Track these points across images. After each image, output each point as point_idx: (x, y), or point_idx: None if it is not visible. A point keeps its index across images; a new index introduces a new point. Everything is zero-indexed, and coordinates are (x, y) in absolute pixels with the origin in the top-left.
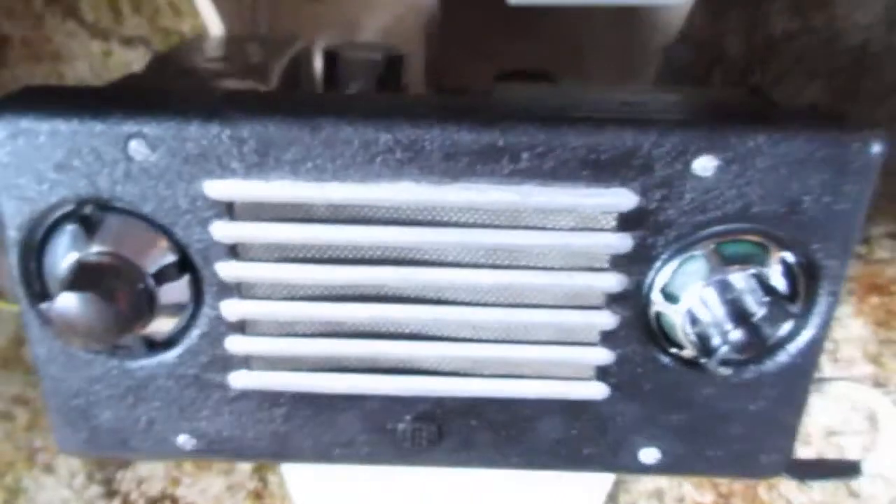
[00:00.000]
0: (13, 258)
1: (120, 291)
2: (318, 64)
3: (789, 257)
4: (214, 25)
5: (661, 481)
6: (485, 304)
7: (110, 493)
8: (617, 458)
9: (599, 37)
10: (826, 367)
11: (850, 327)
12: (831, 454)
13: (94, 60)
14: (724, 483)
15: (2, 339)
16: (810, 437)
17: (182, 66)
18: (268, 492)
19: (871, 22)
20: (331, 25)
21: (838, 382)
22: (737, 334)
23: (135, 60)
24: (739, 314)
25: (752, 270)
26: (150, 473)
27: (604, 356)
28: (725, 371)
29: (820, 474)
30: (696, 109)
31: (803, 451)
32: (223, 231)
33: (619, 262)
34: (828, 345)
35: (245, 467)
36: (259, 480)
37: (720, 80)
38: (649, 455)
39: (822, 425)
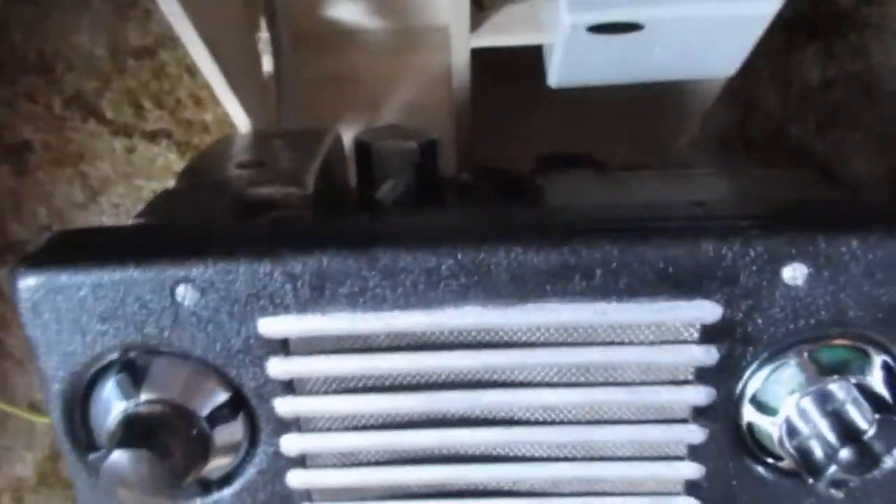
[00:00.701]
0: (55, 411)
1: (174, 443)
2: (349, 150)
3: (891, 361)
4: (238, 115)
5: None
6: (561, 423)
7: None
8: None
9: (631, 109)
10: None
11: None
12: None
13: (116, 159)
14: None
15: (39, 453)
16: None
17: (214, 177)
18: None
19: None
20: (356, 105)
21: None
22: (846, 454)
23: (158, 155)
24: (846, 430)
25: (854, 379)
26: None
27: (693, 471)
28: (838, 494)
29: None
30: (777, 208)
31: None
32: (279, 368)
33: (704, 374)
34: None
35: None
36: None
37: (756, 137)
38: None
39: None
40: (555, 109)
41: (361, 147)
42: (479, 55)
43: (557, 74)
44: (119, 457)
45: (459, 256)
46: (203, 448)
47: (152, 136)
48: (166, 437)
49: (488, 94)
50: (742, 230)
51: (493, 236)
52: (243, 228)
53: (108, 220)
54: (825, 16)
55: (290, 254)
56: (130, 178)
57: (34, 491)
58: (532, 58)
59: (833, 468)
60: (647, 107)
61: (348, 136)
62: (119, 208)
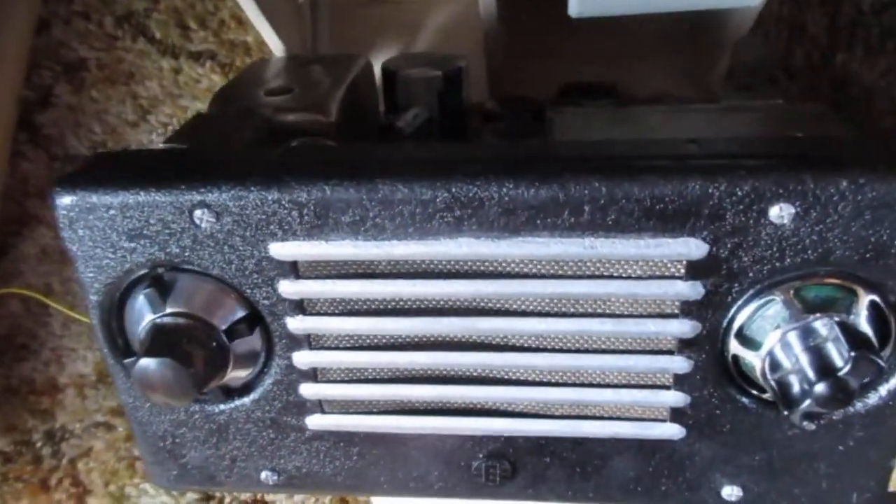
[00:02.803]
0: (94, 319)
1: (196, 352)
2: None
3: (878, 300)
4: (273, 40)
5: None
6: (553, 350)
7: (206, 499)
8: (696, 496)
9: (667, 37)
10: None
11: None
12: None
13: (164, 79)
14: None
15: (98, 354)
16: None
17: (243, 104)
18: (352, 498)
19: None
20: (390, 30)
21: None
22: (821, 388)
23: (203, 76)
24: (823, 366)
25: (837, 318)
26: None
27: (678, 399)
28: (810, 426)
29: None
30: (770, 146)
31: None
32: (289, 289)
33: (690, 308)
34: None
35: None
36: None
37: (802, 64)
38: (731, 493)
39: None
40: (589, 40)
41: (388, 74)
42: None
43: (577, 4)
44: (146, 364)
45: (454, 190)
46: (222, 358)
47: (197, 57)
48: (189, 346)
49: (522, 24)
50: (730, 169)
51: (486, 171)
52: (258, 157)
53: (157, 139)
54: None
55: (297, 183)
56: (177, 99)
57: (94, 387)
58: None
59: (808, 401)
60: (681, 37)
61: (382, 62)
62: (167, 128)
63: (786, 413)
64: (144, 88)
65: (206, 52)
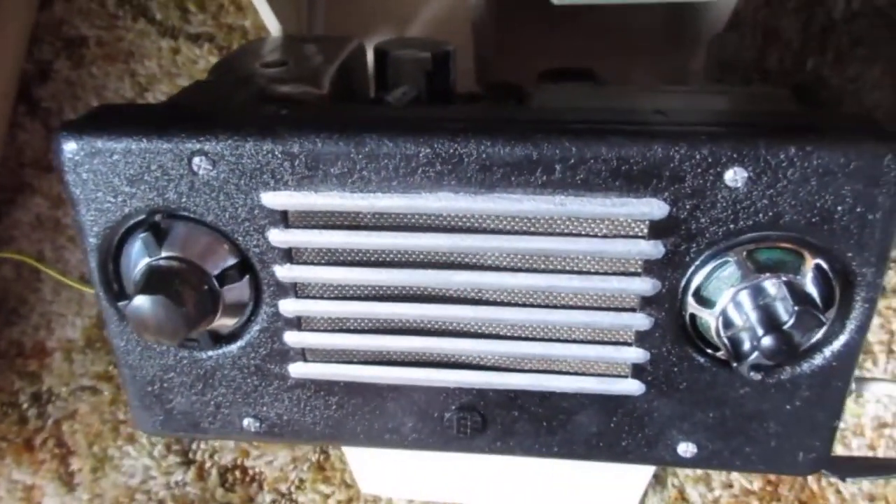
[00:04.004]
0: (92, 262)
1: (187, 293)
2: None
3: (823, 264)
4: (271, 22)
5: None
6: (523, 305)
7: (187, 462)
8: (654, 452)
9: (646, 31)
10: (881, 358)
11: None
12: (883, 447)
13: (163, 58)
14: None
15: (86, 320)
16: (863, 427)
17: (241, 73)
18: (329, 464)
19: None
20: (384, 18)
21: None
22: (767, 341)
23: (200, 57)
24: (771, 321)
25: (785, 278)
26: (223, 444)
27: (638, 355)
28: (756, 376)
29: (861, 472)
30: (730, 117)
31: (855, 442)
32: (279, 237)
33: (651, 267)
34: (883, 336)
35: None
36: (322, 453)
37: (775, 66)
38: (686, 449)
39: (872, 416)
40: (573, 34)
41: (379, 54)
42: None
43: None
44: (140, 301)
45: (435, 146)
46: (213, 302)
47: (195, 39)
48: (181, 288)
49: (509, 16)
50: (690, 135)
51: (466, 130)
52: (254, 111)
53: None
54: None
55: (289, 135)
56: (174, 78)
57: (81, 352)
58: None
59: (755, 354)
60: (660, 34)
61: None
62: None
63: (735, 366)
64: (143, 67)
65: (204, 35)
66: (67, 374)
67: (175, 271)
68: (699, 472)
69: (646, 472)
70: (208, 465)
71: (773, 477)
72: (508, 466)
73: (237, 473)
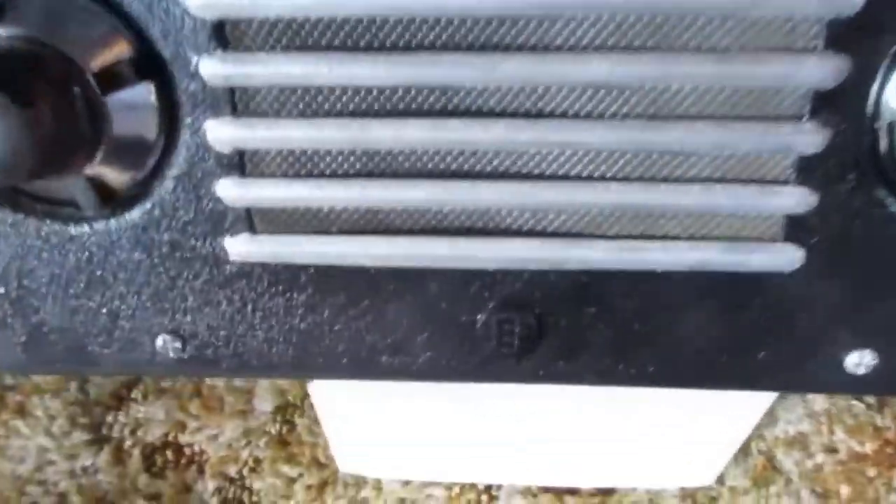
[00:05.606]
0: None
1: (43, 94)
2: None
3: None
4: None
5: (805, 424)
6: (615, 116)
7: (98, 441)
8: (808, 368)
9: None
10: None
11: None
12: None
13: None
14: (893, 427)
15: None
16: None
17: None
18: (294, 436)
19: None
20: None
21: None
22: None
23: None
24: None
25: None
26: (149, 416)
27: (800, 199)
28: None
29: None
30: None
31: None
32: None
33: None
34: None
35: (266, 408)
36: (284, 423)
37: None
38: (859, 361)
39: None
40: None
41: None
42: None
43: None
44: None
45: None
46: (91, 119)
47: None
48: (32, 83)
49: None
50: None
51: None
52: None
53: None
54: None
55: None
56: None
57: None
58: None
59: None
60: None
61: None
62: None
63: None
64: None
65: None
66: None
67: (21, 57)
68: (792, 433)
69: (752, 417)
70: (128, 443)
71: (892, 435)
72: (538, 425)
73: (168, 454)
